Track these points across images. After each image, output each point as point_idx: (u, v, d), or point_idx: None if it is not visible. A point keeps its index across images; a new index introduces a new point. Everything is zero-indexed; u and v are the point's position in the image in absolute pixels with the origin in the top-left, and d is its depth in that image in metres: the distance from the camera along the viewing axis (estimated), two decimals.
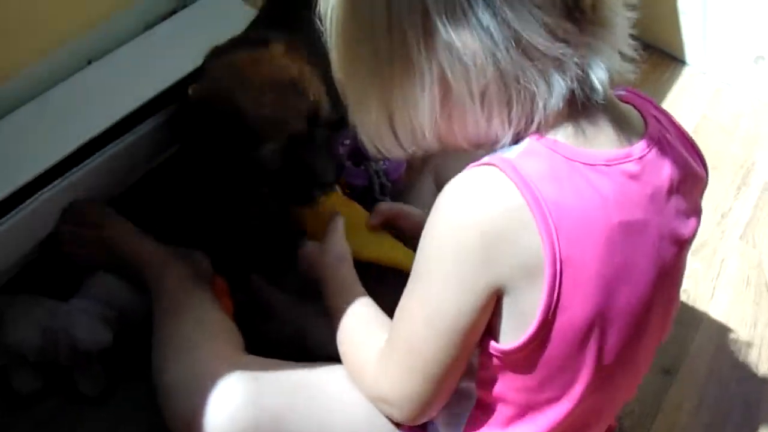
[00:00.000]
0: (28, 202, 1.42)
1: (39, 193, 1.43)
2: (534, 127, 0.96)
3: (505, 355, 0.99)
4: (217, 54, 1.48)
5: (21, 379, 1.42)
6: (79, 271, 1.50)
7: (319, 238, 1.34)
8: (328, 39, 1.01)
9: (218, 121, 1.39)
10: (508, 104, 0.95)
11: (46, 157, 1.43)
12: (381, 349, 1.06)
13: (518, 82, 0.94)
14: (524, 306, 0.95)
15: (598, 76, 0.95)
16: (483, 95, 0.95)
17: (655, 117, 1.05)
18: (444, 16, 0.92)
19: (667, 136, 1.04)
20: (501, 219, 0.92)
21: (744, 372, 1.67)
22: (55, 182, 1.46)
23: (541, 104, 0.94)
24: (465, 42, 0.93)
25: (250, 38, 1.52)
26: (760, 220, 1.98)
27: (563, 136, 0.97)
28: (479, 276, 0.94)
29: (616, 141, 0.99)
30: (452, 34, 0.93)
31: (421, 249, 0.98)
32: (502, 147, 0.98)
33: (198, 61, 1.52)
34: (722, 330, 1.73)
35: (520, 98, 0.95)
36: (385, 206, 1.42)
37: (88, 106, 1.51)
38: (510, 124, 0.97)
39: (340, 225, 1.34)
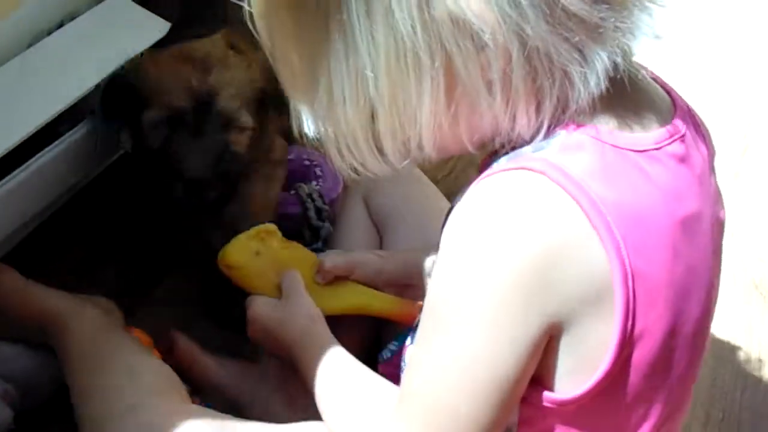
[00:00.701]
0: None
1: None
2: (567, 116, 0.80)
3: (563, 405, 0.83)
4: None
5: None
6: None
7: (264, 292, 1.25)
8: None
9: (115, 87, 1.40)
10: (538, 93, 0.78)
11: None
12: (393, 416, 0.88)
13: (551, 62, 0.77)
14: (589, 341, 0.80)
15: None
16: (505, 84, 0.77)
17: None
18: None
19: (689, 107, 0.92)
20: (555, 237, 0.77)
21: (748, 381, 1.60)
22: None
23: (579, 87, 0.78)
24: (478, 12, 0.74)
25: None
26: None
27: (604, 120, 0.82)
28: (530, 314, 0.78)
29: (656, 119, 0.85)
30: (460, 1, 0.74)
31: (441, 289, 0.82)
32: (525, 144, 0.82)
33: (93, 77, 1.41)
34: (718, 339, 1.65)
35: (554, 83, 0.78)
36: (331, 263, 1.28)
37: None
38: (539, 116, 0.80)
39: (298, 279, 1.24)
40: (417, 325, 1.03)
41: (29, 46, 1.40)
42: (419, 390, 0.85)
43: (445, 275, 0.81)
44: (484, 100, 0.78)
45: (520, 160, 0.80)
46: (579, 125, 0.80)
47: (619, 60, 0.79)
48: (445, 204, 1.38)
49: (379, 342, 1.30)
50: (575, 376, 0.82)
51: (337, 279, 1.28)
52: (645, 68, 0.88)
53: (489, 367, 0.79)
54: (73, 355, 1.25)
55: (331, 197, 1.61)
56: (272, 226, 1.31)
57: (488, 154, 0.91)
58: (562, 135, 0.81)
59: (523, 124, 0.80)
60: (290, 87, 0.87)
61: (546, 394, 0.83)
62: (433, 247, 1.17)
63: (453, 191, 1.67)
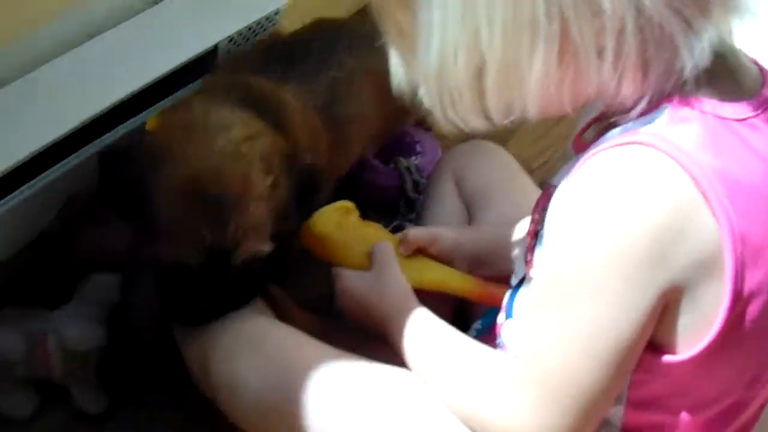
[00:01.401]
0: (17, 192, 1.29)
1: (33, 181, 1.31)
2: (671, 87, 0.81)
3: (678, 367, 0.85)
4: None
5: (12, 401, 1.31)
6: (71, 279, 1.40)
7: (349, 263, 1.22)
8: None
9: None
10: (647, 62, 0.79)
11: (38, 139, 1.27)
12: (510, 383, 0.90)
13: (663, 33, 0.77)
14: (703, 302, 0.81)
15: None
16: (616, 51, 0.78)
17: None
18: None
19: None
20: (670, 207, 0.78)
21: None
22: (49, 170, 1.33)
23: (685, 59, 0.79)
24: None
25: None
26: None
27: (707, 92, 0.82)
28: (651, 282, 0.79)
29: (750, 88, 0.86)
30: None
31: (561, 262, 0.84)
32: (629, 114, 0.82)
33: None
34: None
35: (662, 54, 0.78)
36: (414, 235, 1.25)
37: (86, 84, 1.35)
38: (645, 85, 0.80)
39: (390, 251, 1.20)
40: (507, 302, 1.06)
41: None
42: (539, 357, 0.86)
43: (565, 248, 0.83)
44: (594, 65, 0.79)
45: (628, 135, 0.81)
46: (683, 99, 0.81)
47: (724, 35, 0.81)
48: (533, 189, 1.38)
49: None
50: (691, 336, 0.83)
51: (417, 252, 1.25)
52: None
53: (611, 333, 0.81)
54: None
55: (428, 171, 1.61)
56: (351, 204, 1.28)
57: (582, 130, 0.92)
58: (667, 109, 0.81)
59: (628, 92, 0.81)
60: (396, 40, 0.87)
61: (664, 357, 0.85)
62: (512, 225, 1.21)
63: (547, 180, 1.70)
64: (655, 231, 0.78)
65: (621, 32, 0.76)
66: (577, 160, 0.86)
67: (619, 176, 0.80)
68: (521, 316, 1.02)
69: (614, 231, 0.79)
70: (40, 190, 1.32)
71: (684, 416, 0.89)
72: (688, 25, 0.77)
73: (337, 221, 1.26)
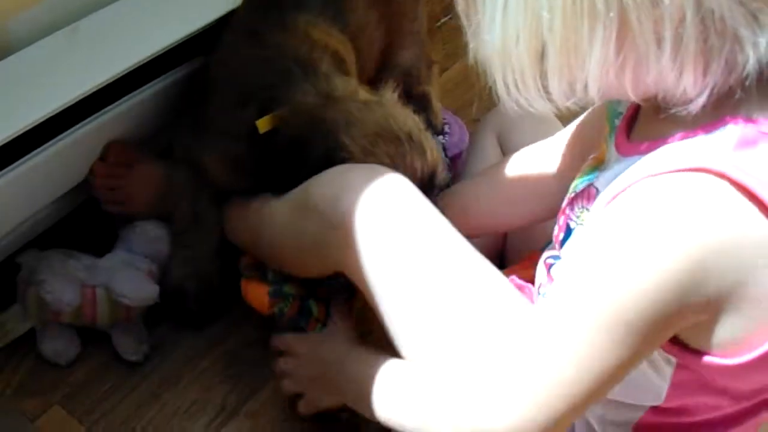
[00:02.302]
0: (53, 140, 1.29)
1: (65, 132, 1.31)
2: (732, 80, 0.78)
3: (722, 368, 0.82)
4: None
5: (56, 346, 1.33)
6: (112, 225, 1.44)
7: None
8: None
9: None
10: (708, 54, 0.77)
11: (74, 90, 1.28)
12: (524, 332, 0.87)
13: (725, 25, 0.75)
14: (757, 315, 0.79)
15: None
16: (675, 41, 0.76)
17: None
18: None
19: None
20: (733, 236, 0.76)
21: None
22: (83, 122, 1.33)
23: (749, 53, 0.76)
24: None
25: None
26: None
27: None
28: (677, 305, 0.78)
29: None
30: None
31: (595, 277, 0.81)
32: (687, 106, 0.80)
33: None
34: None
35: (724, 46, 0.76)
36: None
37: (121, 41, 1.36)
38: (706, 78, 0.78)
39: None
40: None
41: None
42: (548, 336, 0.83)
43: (603, 265, 0.80)
44: (653, 54, 0.77)
45: (695, 158, 0.78)
46: (748, 119, 0.78)
47: None
48: None
49: None
50: (743, 343, 0.80)
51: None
52: None
53: (616, 346, 0.79)
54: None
55: (453, 152, 1.61)
56: None
57: (624, 128, 0.92)
58: (731, 129, 0.79)
59: (689, 83, 0.78)
60: (465, 12, 0.86)
61: (711, 359, 0.82)
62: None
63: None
64: (698, 259, 0.76)
65: (680, 23, 0.75)
66: (623, 162, 0.86)
67: (682, 205, 0.77)
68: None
69: (662, 247, 0.76)
70: (82, 138, 1.33)
71: (719, 402, 0.89)
72: (753, 17, 0.74)
73: None
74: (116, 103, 1.36)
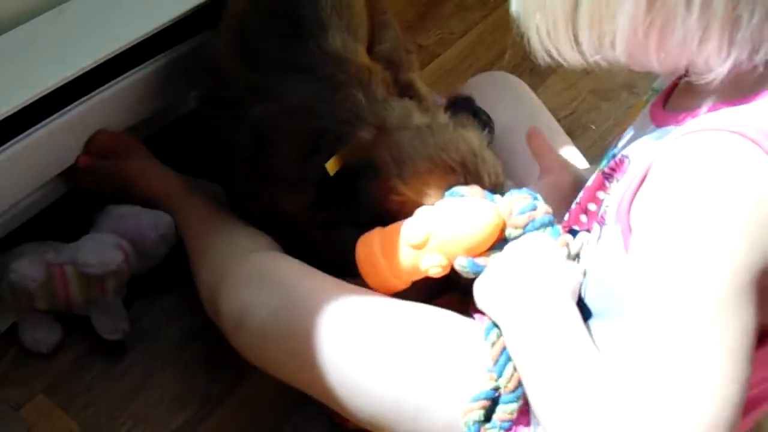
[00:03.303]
0: (35, 127, 1.28)
1: (49, 118, 1.30)
2: (761, 55, 0.78)
3: None
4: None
5: (35, 334, 1.32)
6: (89, 213, 1.44)
7: None
8: None
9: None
10: (735, 22, 0.76)
11: (58, 73, 1.27)
12: (626, 398, 0.78)
13: None
14: None
15: None
16: (705, 3, 0.76)
17: None
18: None
19: None
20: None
21: None
22: (69, 107, 1.32)
23: None
24: None
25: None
26: None
27: None
28: (760, 261, 0.75)
29: None
30: None
31: (663, 262, 0.78)
32: (709, 75, 0.80)
33: None
34: None
35: (753, 16, 0.75)
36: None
37: (109, 21, 1.35)
38: (730, 50, 0.78)
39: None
40: None
41: None
42: (657, 365, 0.76)
43: (673, 237, 0.78)
44: (681, 15, 0.77)
45: (731, 121, 0.78)
46: None
47: None
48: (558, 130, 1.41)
49: None
50: None
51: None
52: None
53: (738, 317, 0.75)
54: (193, 225, 1.36)
55: None
56: None
57: (661, 99, 0.91)
58: (766, 102, 0.79)
59: (713, 51, 0.78)
60: None
61: None
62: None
63: (573, 130, 1.71)
64: (755, 216, 0.75)
65: None
66: (657, 131, 0.85)
67: (719, 164, 0.77)
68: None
69: (719, 214, 0.75)
70: (71, 121, 1.32)
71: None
72: None
73: None
74: (102, 87, 1.35)
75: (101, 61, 1.30)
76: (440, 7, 1.94)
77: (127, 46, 1.33)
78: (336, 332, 1.05)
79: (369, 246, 1.11)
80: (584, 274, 0.96)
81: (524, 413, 0.97)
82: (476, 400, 0.98)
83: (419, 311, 1.06)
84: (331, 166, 1.18)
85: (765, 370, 0.85)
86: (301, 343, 1.06)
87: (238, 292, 1.14)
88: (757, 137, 0.75)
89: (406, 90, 1.44)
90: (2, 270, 1.29)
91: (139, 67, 1.40)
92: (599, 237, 0.94)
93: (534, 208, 1.03)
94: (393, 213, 1.13)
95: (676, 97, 0.90)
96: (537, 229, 1.02)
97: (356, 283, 1.12)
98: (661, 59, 0.82)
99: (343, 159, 1.19)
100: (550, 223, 1.02)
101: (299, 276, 1.14)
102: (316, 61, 1.28)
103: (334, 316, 1.06)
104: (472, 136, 1.19)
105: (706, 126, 0.79)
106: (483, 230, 1.03)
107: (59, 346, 1.33)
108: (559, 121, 1.53)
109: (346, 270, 1.12)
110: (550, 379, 0.86)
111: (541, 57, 0.87)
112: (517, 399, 0.96)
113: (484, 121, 1.28)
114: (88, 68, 1.28)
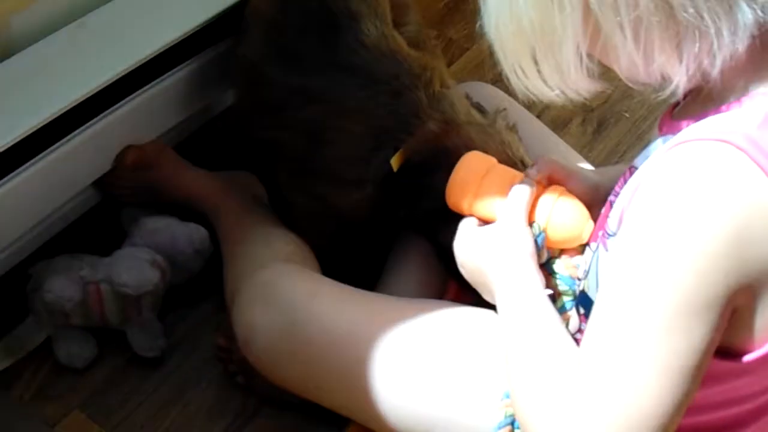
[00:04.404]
0: (60, 143, 1.29)
1: (73, 133, 1.30)
2: (719, 65, 0.77)
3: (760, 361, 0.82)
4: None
5: (70, 350, 1.32)
6: (123, 225, 1.45)
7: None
8: None
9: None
10: (676, 38, 0.77)
11: (80, 89, 1.27)
12: (579, 384, 0.83)
13: (685, 12, 0.75)
14: None
15: None
16: (636, 29, 0.77)
17: None
18: None
19: None
20: (753, 211, 0.75)
21: None
22: (94, 119, 1.32)
23: (724, 34, 0.75)
24: None
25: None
26: None
27: None
28: (728, 284, 0.76)
29: None
30: None
31: (637, 259, 0.79)
32: (676, 88, 0.80)
33: None
34: None
35: (691, 31, 0.76)
36: (550, 161, 1.11)
37: (129, 33, 1.35)
38: (681, 62, 0.78)
39: (524, 200, 1.05)
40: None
41: None
42: (608, 363, 0.80)
43: (642, 244, 0.79)
44: (619, 41, 0.78)
45: (717, 129, 0.78)
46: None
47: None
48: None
49: None
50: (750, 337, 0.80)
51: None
52: None
53: (685, 336, 0.77)
54: (224, 230, 1.38)
55: None
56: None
57: (669, 109, 0.90)
58: (760, 102, 0.78)
59: (664, 69, 0.79)
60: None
61: (744, 358, 0.82)
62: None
63: (607, 118, 1.69)
64: (735, 234, 0.75)
65: (638, 9, 0.75)
66: (659, 140, 0.85)
67: (704, 176, 0.76)
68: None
69: (697, 230, 0.75)
70: (99, 133, 1.33)
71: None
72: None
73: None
74: (128, 97, 1.35)
75: (127, 72, 1.30)
76: (468, 2, 1.92)
77: (150, 57, 1.33)
78: (344, 353, 1.10)
79: (478, 167, 1.10)
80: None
81: None
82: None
83: (432, 324, 1.09)
84: (396, 160, 1.22)
85: None
86: (308, 364, 1.13)
87: (247, 311, 1.19)
88: (742, 144, 0.75)
89: None
90: (36, 286, 1.29)
91: (164, 76, 1.39)
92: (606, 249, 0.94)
93: None
94: None
95: (682, 105, 0.89)
96: None
97: None
98: (629, 78, 0.83)
99: (408, 153, 1.22)
100: None
101: (308, 293, 1.17)
102: (362, 58, 1.28)
103: (343, 337, 1.11)
104: (517, 139, 1.25)
105: (693, 136, 0.79)
106: (587, 230, 1.04)
107: (94, 360, 1.33)
108: (592, 110, 1.56)
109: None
110: (517, 332, 0.93)
111: (523, 95, 0.87)
112: None
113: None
114: (114, 79, 1.28)
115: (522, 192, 1.03)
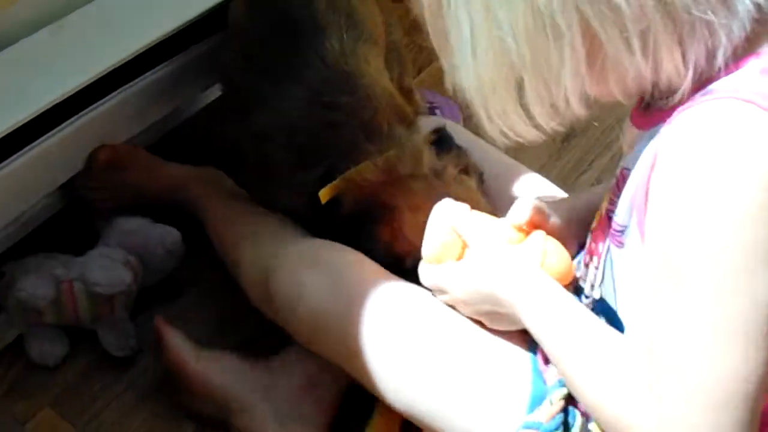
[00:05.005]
0: (33, 144, 1.29)
1: (48, 133, 1.31)
2: (720, 60, 0.78)
3: None
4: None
5: (43, 347, 1.34)
6: (96, 224, 1.45)
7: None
8: None
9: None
10: (680, 44, 0.78)
11: (56, 90, 1.28)
12: (641, 385, 0.82)
13: (689, 14, 0.76)
14: None
15: None
16: (644, 41, 0.78)
17: None
18: None
19: None
20: None
21: None
22: (69, 120, 1.33)
23: (722, 33, 0.77)
24: None
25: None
26: None
27: None
28: None
29: None
30: None
31: (675, 242, 0.78)
32: (681, 92, 0.80)
33: None
34: None
35: (695, 33, 0.77)
36: (528, 205, 1.09)
37: (107, 35, 1.36)
38: (687, 65, 0.79)
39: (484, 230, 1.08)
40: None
41: None
42: (671, 354, 0.79)
43: (674, 226, 0.78)
44: (626, 57, 0.78)
45: (718, 89, 0.78)
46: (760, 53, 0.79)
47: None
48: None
49: None
50: None
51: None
52: None
53: (750, 294, 0.75)
54: (213, 213, 1.39)
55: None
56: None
57: (636, 107, 0.90)
58: (753, 63, 0.78)
59: (669, 76, 0.80)
60: (441, 47, 0.87)
61: None
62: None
63: (575, 127, 1.70)
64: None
65: (645, 22, 0.76)
66: (649, 132, 0.85)
67: (724, 134, 0.76)
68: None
69: (730, 200, 0.75)
70: (72, 134, 1.33)
71: None
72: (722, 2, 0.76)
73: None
74: (102, 100, 1.36)
75: (99, 76, 1.31)
76: None
77: (126, 59, 1.34)
78: (384, 326, 1.09)
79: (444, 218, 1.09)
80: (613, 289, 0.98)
81: None
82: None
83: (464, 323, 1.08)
84: (324, 194, 1.21)
85: None
86: (351, 328, 1.10)
87: (295, 275, 1.17)
88: (752, 97, 0.75)
89: (406, 97, 1.43)
90: (9, 285, 1.30)
91: (137, 79, 1.40)
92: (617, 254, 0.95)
93: None
94: (401, 257, 1.16)
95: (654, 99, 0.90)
96: None
97: None
98: (629, 94, 0.84)
99: (340, 192, 1.21)
100: None
101: (351, 263, 1.17)
102: (316, 73, 1.27)
103: (384, 308, 1.10)
104: (473, 187, 1.22)
105: (699, 100, 0.79)
106: (573, 267, 1.06)
107: (65, 358, 1.34)
108: None
109: None
110: (562, 339, 0.93)
111: (497, 138, 0.87)
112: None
113: (471, 163, 1.29)
114: (87, 83, 1.29)
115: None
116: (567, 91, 0.81)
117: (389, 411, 1.15)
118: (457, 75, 0.85)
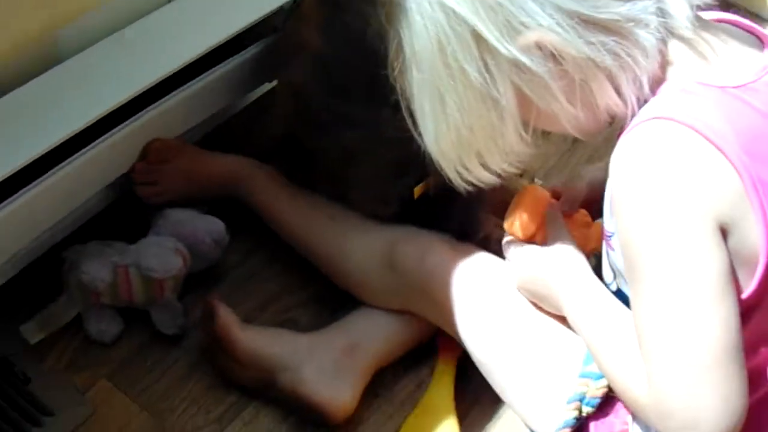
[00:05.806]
0: (96, 142, 1.38)
1: (109, 133, 1.39)
2: (646, 88, 0.90)
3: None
4: None
5: (100, 326, 1.42)
6: (145, 216, 1.51)
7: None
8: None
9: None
10: (606, 81, 0.89)
11: (117, 95, 1.35)
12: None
13: (604, 59, 0.87)
14: (746, 244, 0.87)
15: (679, 8, 0.90)
16: (573, 95, 0.89)
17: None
18: (498, 33, 0.86)
19: None
20: (701, 168, 0.85)
21: None
22: (127, 122, 1.42)
23: (643, 64, 0.88)
24: (531, 50, 0.87)
25: None
26: None
27: (701, 66, 0.91)
28: (706, 223, 0.85)
29: (747, 50, 0.93)
30: (513, 48, 0.87)
31: (632, 243, 0.89)
32: (625, 118, 0.92)
33: None
34: None
35: (622, 74, 0.88)
36: (572, 197, 1.24)
37: (166, 43, 1.43)
38: (623, 100, 0.90)
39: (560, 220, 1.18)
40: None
41: None
42: (661, 348, 0.87)
43: (630, 232, 0.88)
44: (560, 111, 0.90)
45: (647, 111, 0.88)
46: (679, 78, 0.89)
47: (674, 24, 0.88)
48: None
49: None
50: (742, 278, 0.87)
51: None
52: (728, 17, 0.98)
53: (705, 279, 0.84)
54: (267, 195, 1.49)
55: None
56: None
57: None
58: (671, 88, 0.89)
59: (608, 112, 0.91)
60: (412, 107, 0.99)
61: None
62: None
63: None
64: (697, 187, 0.84)
65: (570, 79, 0.88)
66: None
67: (650, 149, 0.86)
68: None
69: (661, 202, 0.85)
70: (124, 137, 1.41)
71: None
72: (632, 42, 0.87)
73: None
74: (156, 104, 1.44)
75: (156, 81, 1.38)
76: None
77: (180, 67, 1.41)
78: (481, 286, 1.23)
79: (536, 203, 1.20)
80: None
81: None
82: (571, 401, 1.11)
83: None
84: (418, 190, 1.33)
85: None
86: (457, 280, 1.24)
87: (420, 235, 1.31)
88: (673, 115, 0.86)
89: None
90: (71, 268, 1.38)
91: (191, 82, 1.49)
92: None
93: None
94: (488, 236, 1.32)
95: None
96: None
97: None
98: (577, 133, 0.96)
99: (428, 187, 1.34)
100: None
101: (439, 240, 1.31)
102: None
103: (483, 273, 1.25)
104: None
105: (633, 123, 0.89)
106: None
107: (120, 336, 1.42)
108: None
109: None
110: (598, 331, 1.03)
111: (462, 187, 1.00)
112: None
113: None
114: (145, 88, 1.37)
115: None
116: (512, 147, 0.94)
117: (450, 350, 1.35)
118: (425, 141, 0.98)
